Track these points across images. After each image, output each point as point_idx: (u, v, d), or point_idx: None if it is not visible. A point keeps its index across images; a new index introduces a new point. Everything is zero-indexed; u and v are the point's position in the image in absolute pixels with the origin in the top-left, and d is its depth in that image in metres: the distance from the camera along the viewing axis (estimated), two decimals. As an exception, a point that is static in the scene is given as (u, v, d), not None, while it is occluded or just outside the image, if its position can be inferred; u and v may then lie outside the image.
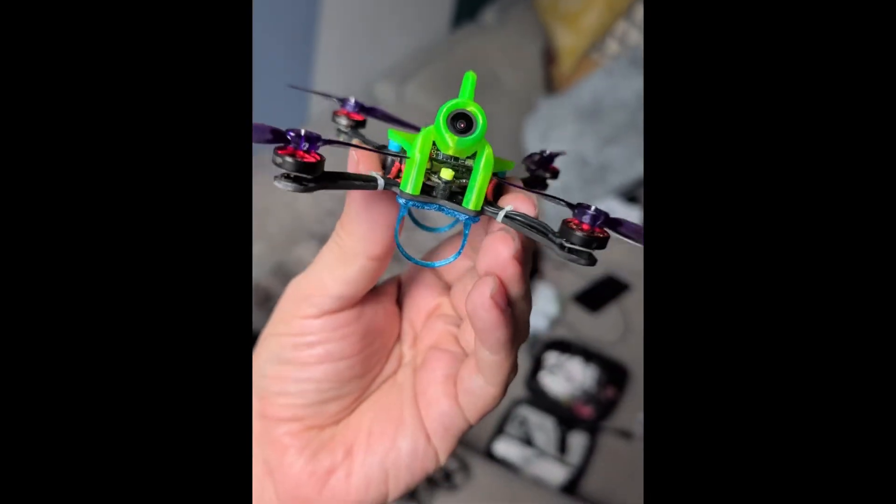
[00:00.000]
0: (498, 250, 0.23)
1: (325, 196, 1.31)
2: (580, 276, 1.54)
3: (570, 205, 0.23)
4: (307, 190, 0.21)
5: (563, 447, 1.20)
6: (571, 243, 0.22)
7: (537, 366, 1.33)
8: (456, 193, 0.25)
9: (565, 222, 0.22)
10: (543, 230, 0.23)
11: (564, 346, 1.36)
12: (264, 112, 1.30)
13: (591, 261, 0.22)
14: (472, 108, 0.23)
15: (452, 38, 1.79)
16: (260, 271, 1.19)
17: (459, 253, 0.27)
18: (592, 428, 1.22)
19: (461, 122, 0.23)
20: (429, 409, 0.27)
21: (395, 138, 0.26)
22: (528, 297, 0.25)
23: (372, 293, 0.30)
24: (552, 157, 0.30)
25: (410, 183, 0.24)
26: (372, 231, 0.26)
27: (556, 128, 1.71)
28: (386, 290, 0.31)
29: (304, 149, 0.21)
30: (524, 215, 0.24)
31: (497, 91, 1.75)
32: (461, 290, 0.29)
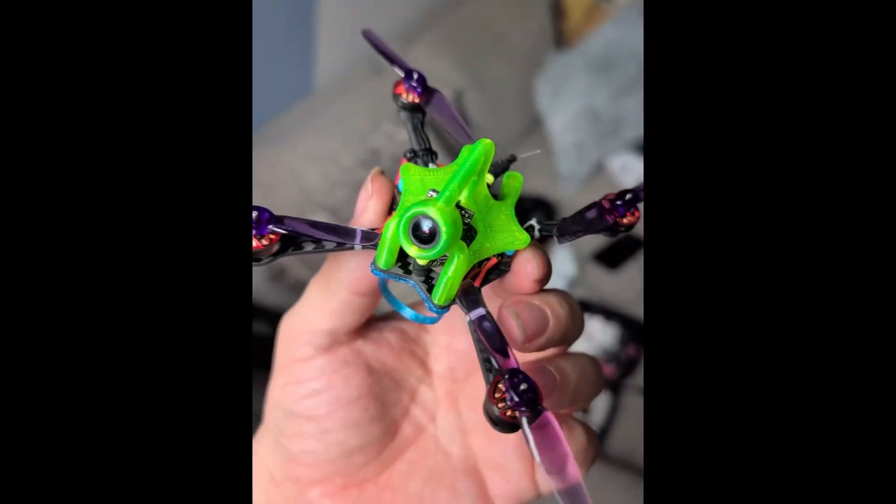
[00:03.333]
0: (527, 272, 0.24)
1: (332, 167, 1.29)
2: (597, 236, 1.52)
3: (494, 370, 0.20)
4: (261, 264, 0.21)
5: (585, 408, 1.20)
6: (489, 414, 0.20)
7: (557, 327, 1.33)
8: (432, 271, 0.22)
9: (490, 389, 0.20)
10: (487, 361, 0.21)
11: (584, 306, 1.35)
12: (266, 83, 1.28)
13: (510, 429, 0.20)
14: (437, 215, 0.19)
15: (456, -4, 1.75)
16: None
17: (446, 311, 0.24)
18: (615, 387, 1.22)
19: (423, 231, 0.19)
20: (500, 483, 0.27)
21: (404, 176, 0.24)
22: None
23: (371, 328, 0.29)
24: (635, 199, 0.24)
25: (382, 258, 0.22)
26: (361, 266, 0.24)
27: (567, 83, 1.67)
28: (389, 324, 0.30)
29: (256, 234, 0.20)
30: (490, 328, 0.21)
31: (504, 50, 1.71)
32: None
